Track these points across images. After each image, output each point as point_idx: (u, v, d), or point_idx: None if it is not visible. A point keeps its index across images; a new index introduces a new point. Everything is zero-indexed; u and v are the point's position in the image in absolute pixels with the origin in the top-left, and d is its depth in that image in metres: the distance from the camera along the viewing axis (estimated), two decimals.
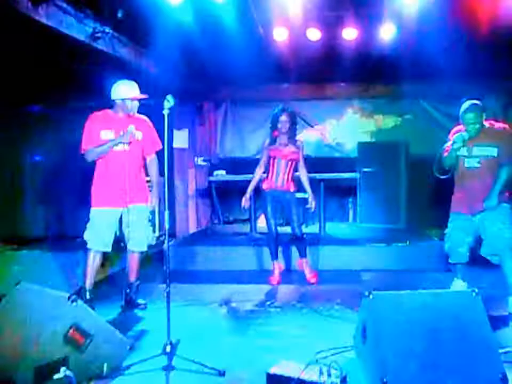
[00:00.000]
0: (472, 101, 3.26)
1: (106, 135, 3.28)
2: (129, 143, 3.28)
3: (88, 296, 3.29)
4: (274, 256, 4.21)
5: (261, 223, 6.47)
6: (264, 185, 4.09)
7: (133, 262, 3.45)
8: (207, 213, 7.04)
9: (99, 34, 4.44)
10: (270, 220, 4.08)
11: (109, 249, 3.34)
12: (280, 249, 4.40)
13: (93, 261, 3.32)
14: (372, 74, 5.99)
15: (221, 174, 5.63)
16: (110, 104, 3.39)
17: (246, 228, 5.78)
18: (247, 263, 4.77)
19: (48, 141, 6.95)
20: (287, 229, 4.28)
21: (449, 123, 6.69)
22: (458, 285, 3.55)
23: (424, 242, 5.07)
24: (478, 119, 3.21)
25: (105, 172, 3.31)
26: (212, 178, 5.79)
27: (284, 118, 3.98)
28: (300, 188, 4.18)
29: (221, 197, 6.81)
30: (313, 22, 5.12)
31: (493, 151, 3.22)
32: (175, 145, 6.32)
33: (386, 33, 5.16)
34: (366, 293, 2.24)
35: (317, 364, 2.20)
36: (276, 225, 4.10)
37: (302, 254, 4.18)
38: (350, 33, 5.23)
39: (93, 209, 3.33)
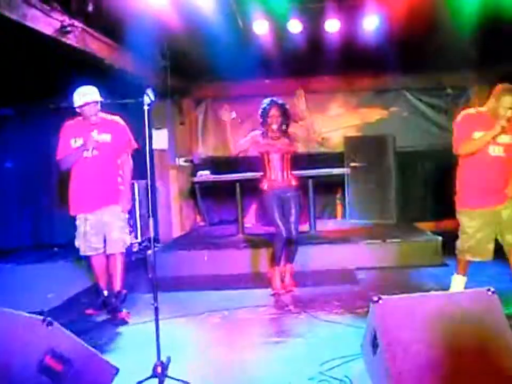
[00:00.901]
0: (509, 85, 3.07)
1: (76, 142, 3.34)
2: (94, 148, 3.29)
3: (105, 294, 3.41)
4: (278, 261, 3.77)
5: (249, 223, 6.31)
6: (265, 187, 3.74)
7: (114, 267, 3.38)
8: (191, 215, 6.79)
9: (68, 29, 4.14)
10: (277, 221, 3.68)
11: (101, 251, 3.38)
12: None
13: (96, 264, 3.42)
14: (356, 67, 5.85)
15: (205, 175, 5.39)
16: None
17: (233, 229, 5.54)
18: (236, 266, 4.55)
19: (19, 146, 6.57)
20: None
21: (435, 114, 6.67)
22: (460, 280, 3.43)
23: (417, 237, 4.94)
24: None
25: (77, 178, 3.37)
26: (195, 179, 5.55)
27: (274, 112, 3.70)
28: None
29: (206, 198, 6.57)
30: (295, 13, 4.94)
31: None
32: (154, 146, 6.05)
33: (370, 24, 5.02)
34: (375, 298, 2.04)
35: (324, 378, 2.00)
36: (286, 227, 3.70)
37: (291, 259, 3.85)
38: (332, 25, 5.07)
39: (76, 217, 3.42)
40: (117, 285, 3.38)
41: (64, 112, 6.46)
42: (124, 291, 3.40)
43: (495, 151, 3.09)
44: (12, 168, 6.67)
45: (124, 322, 3.26)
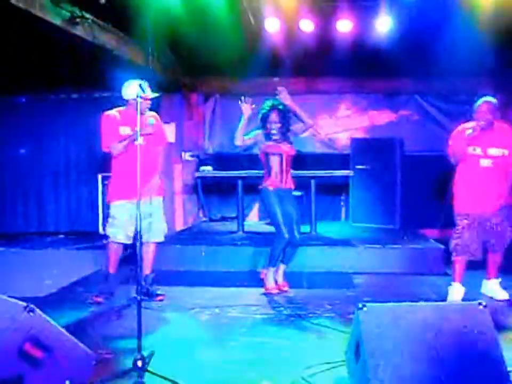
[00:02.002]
0: (488, 97, 3.43)
1: (124, 130, 3.42)
2: (147, 134, 3.36)
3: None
4: (275, 263, 3.72)
5: (250, 221, 6.28)
6: (269, 185, 3.69)
7: (149, 254, 3.55)
8: (193, 210, 6.79)
9: (78, 20, 4.16)
10: (280, 222, 3.62)
11: (131, 241, 3.42)
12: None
13: (115, 250, 3.49)
14: (366, 68, 5.78)
15: (207, 170, 5.38)
16: (119, 101, 3.50)
17: (233, 226, 5.52)
18: (233, 264, 4.52)
19: (29, 133, 6.64)
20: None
21: (447, 121, 6.54)
22: (457, 290, 3.42)
23: (420, 243, 4.86)
24: (493, 110, 3.36)
25: (124, 167, 3.38)
26: (198, 174, 5.54)
27: (273, 117, 3.66)
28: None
29: (208, 193, 6.56)
30: (307, 12, 4.88)
31: (505, 152, 3.38)
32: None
33: (383, 26, 4.95)
34: (360, 305, 1.99)
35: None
36: (289, 229, 3.65)
37: (287, 261, 3.80)
38: (344, 25, 5.00)
39: (114, 204, 3.46)
40: (147, 269, 3.55)
41: (72, 102, 6.63)
42: (152, 274, 3.58)
43: (485, 163, 3.39)
44: (23, 155, 6.76)
45: (160, 300, 3.50)
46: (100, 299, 3.47)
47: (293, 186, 3.78)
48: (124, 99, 3.46)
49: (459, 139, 3.41)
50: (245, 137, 3.69)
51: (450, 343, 1.90)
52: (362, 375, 1.96)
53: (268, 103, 3.70)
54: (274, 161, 3.69)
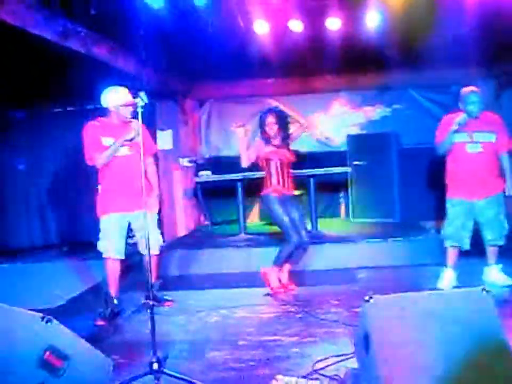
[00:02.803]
0: (471, 86, 3.46)
1: (107, 141, 3.27)
2: (130, 147, 3.25)
3: (115, 302, 3.35)
4: (280, 264, 3.77)
5: (251, 222, 6.33)
6: (272, 192, 3.71)
7: (148, 264, 3.24)
8: (194, 215, 6.84)
9: (71, 33, 4.20)
10: (288, 227, 3.67)
11: (123, 256, 3.34)
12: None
13: (112, 269, 3.34)
14: (358, 64, 5.83)
15: (206, 175, 5.44)
16: (100, 111, 3.40)
17: (235, 229, 5.58)
18: (236, 265, 4.58)
19: (29, 148, 6.69)
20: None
21: (440, 111, 6.58)
22: (447, 274, 3.53)
23: (421, 235, 4.92)
24: (480, 99, 3.38)
25: (113, 178, 3.28)
26: (198, 180, 5.60)
27: (270, 120, 3.71)
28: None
29: (208, 198, 6.62)
30: (295, 12, 4.95)
31: (492, 137, 3.39)
32: (159, 146, 6.12)
33: (372, 21, 5.00)
34: (366, 298, 2.05)
35: (317, 377, 2.02)
36: (297, 231, 3.70)
37: (295, 261, 3.85)
38: (334, 23, 5.06)
39: (104, 217, 3.31)
40: (152, 277, 3.37)
41: (69, 115, 6.67)
42: (158, 281, 3.52)
43: (472, 148, 3.37)
44: (23, 170, 6.80)
45: (168, 305, 3.48)
46: (102, 322, 3.28)
47: (294, 191, 3.84)
48: (105, 108, 3.32)
49: (446, 129, 3.43)
50: (248, 154, 3.70)
51: (456, 330, 1.96)
52: (373, 366, 2.02)
53: (266, 108, 3.83)
54: (275, 167, 3.71)
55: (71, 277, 4.86)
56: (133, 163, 3.20)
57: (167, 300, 3.59)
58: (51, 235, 6.85)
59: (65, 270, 5.34)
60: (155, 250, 3.40)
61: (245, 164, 3.67)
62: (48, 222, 6.86)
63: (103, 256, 3.34)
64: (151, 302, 2.36)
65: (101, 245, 3.33)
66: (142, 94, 2.31)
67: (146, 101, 2.30)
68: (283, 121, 3.74)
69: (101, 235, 3.34)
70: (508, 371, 1.86)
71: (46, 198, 6.81)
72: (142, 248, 3.33)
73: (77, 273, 5.04)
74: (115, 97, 3.27)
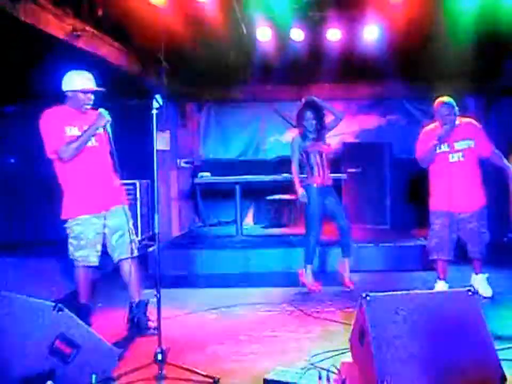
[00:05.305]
0: (443, 97, 3.44)
1: (71, 131, 2.81)
2: (96, 139, 2.87)
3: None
4: (311, 260, 3.93)
5: (246, 225, 6.44)
6: (313, 182, 3.84)
7: (132, 275, 2.90)
8: (190, 215, 6.93)
9: (79, 33, 4.30)
10: (313, 223, 3.81)
11: (97, 262, 2.92)
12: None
13: (86, 279, 2.91)
14: (356, 75, 6.02)
15: (206, 176, 5.54)
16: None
17: (231, 230, 5.69)
18: (233, 266, 4.68)
19: (22, 142, 6.70)
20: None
21: (431, 123, 6.79)
22: (440, 286, 3.55)
23: (410, 242, 5.09)
24: (452, 109, 3.36)
25: (80, 174, 2.84)
26: (197, 180, 5.70)
27: (309, 115, 3.79)
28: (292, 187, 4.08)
29: (205, 199, 6.72)
30: (297, 22, 5.11)
31: (471, 143, 3.37)
32: (156, 147, 6.19)
33: (370, 34, 5.19)
34: (363, 295, 2.19)
35: (315, 368, 2.15)
36: (319, 229, 3.85)
37: (347, 252, 3.94)
38: (334, 34, 5.24)
39: (76, 220, 2.84)
40: (136, 295, 2.95)
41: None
42: (146, 300, 2.94)
43: (454, 157, 3.36)
44: (15, 164, 6.80)
45: (150, 334, 2.76)
46: None
47: (331, 183, 3.97)
48: (64, 92, 2.85)
49: (426, 142, 3.40)
50: (294, 162, 3.88)
51: (444, 325, 2.11)
52: (367, 357, 2.16)
53: (304, 101, 3.85)
54: (314, 159, 3.85)
55: (66, 272, 4.89)
56: (101, 156, 2.89)
57: (150, 328, 2.87)
58: (45, 230, 6.86)
59: (59, 266, 5.36)
60: (132, 252, 2.93)
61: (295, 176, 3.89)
62: (42, 218, 6.86)
63: (77, 264, 2.88)
64: (158, 294, 2.44)
65: (79, 253, 2.85)
66: (158, 96, 2.40)
67: (161, 104, 2.40)
68: (320, 114, 3.84)
69: (74, 241, 2.84)
70: None
71: (40, 193, 6.81)
72: (116, 254, 2.92)
73: (72, 268, 5.07)
74: (78, 81, 2.84)
